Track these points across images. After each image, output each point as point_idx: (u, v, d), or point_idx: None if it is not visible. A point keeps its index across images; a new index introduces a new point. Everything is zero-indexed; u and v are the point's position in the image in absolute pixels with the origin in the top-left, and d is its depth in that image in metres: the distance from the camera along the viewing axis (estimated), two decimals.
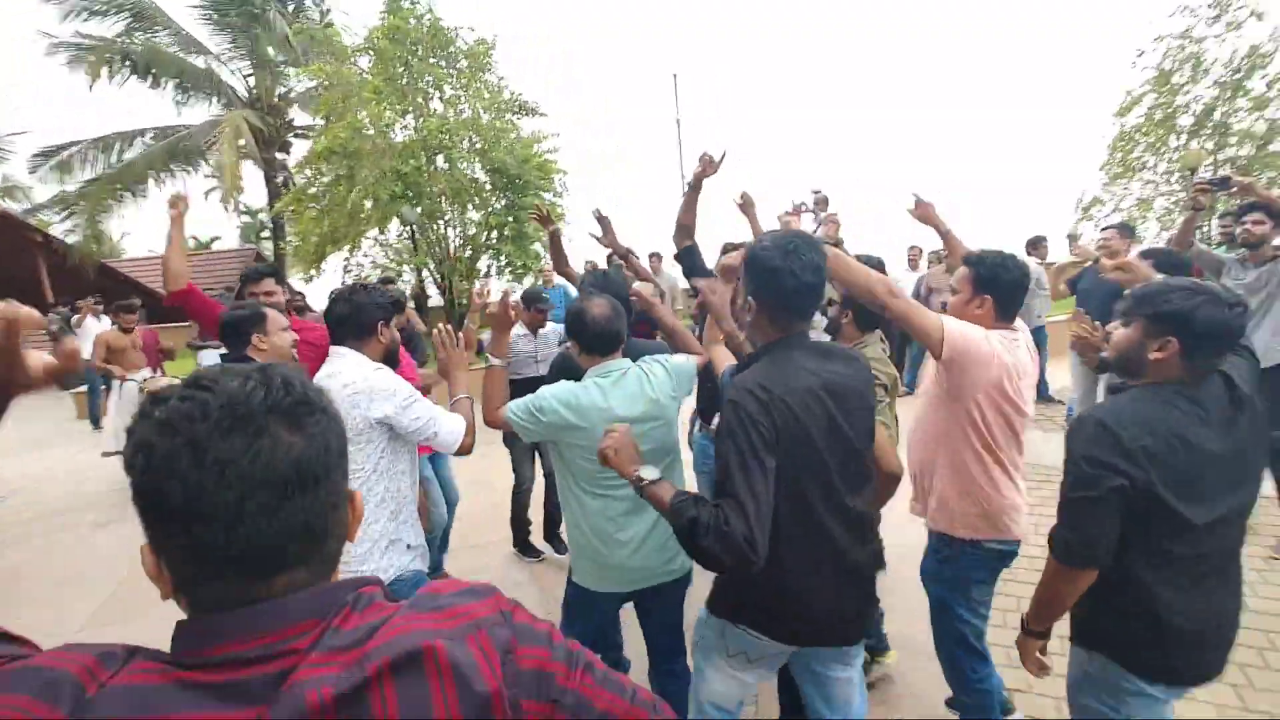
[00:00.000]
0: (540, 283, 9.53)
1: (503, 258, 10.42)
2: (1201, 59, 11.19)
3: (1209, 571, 1.59)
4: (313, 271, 10.36)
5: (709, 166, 3.26)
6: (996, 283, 2.17)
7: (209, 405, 0.64)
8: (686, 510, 1.52)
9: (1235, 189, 3.89)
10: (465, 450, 2.20)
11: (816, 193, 8.11)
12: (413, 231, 10.33)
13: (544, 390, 2.11)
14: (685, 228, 3.21)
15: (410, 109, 9.95)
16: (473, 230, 10.67)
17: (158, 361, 6.89)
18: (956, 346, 2.01)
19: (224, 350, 2.54)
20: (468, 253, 10.65)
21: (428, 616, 0.70)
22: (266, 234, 43.13)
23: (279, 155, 18.05)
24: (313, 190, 10.01)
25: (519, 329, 4.09)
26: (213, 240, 41.49)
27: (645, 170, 18.63)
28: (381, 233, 10.28)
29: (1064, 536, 1.59)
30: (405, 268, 10.95)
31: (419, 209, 9.61)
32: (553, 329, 4.25)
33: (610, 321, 2.12)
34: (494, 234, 10.36)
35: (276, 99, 17.73)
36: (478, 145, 9.96)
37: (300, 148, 19.43)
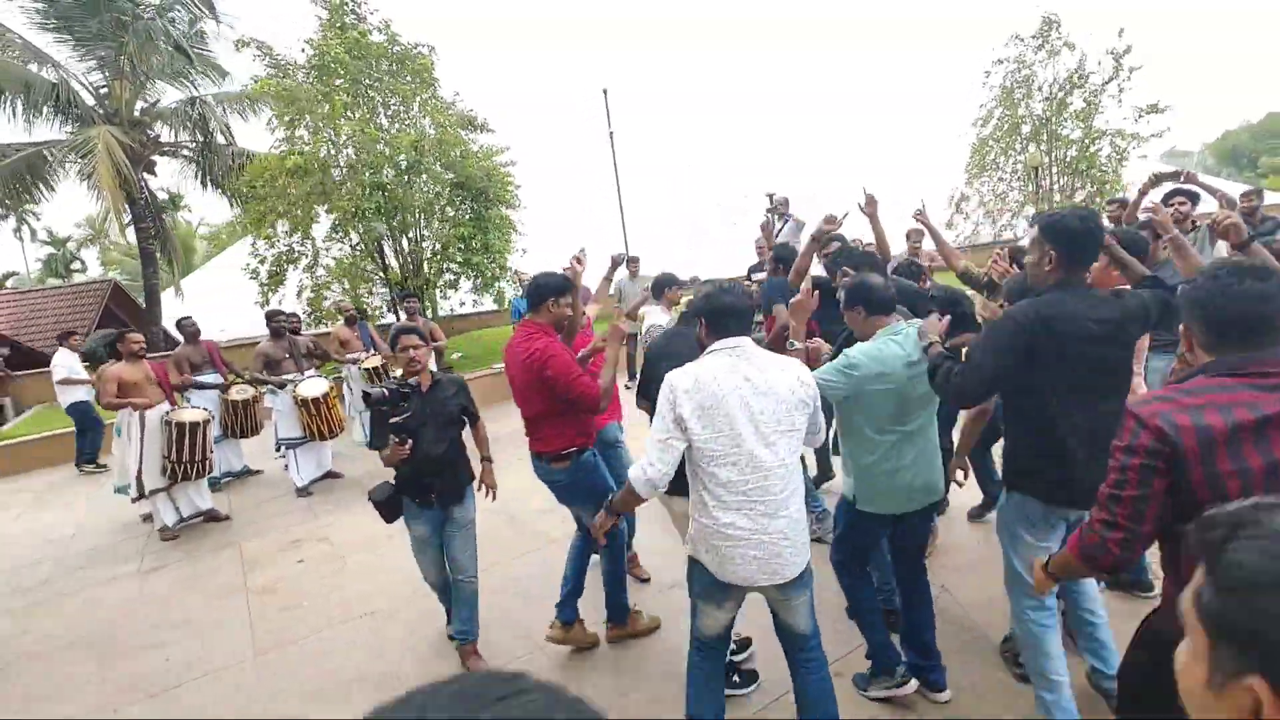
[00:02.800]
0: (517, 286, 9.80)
1: (472, 269, 10.49)
2: (1033, 79, 13.92)
3: None
4: (270, 295, 9.73)
5: (832, 224, 3.98)
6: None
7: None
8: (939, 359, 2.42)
9: (1183, 178, 5.37)
10: None
11: (772, 195, 8.77)
12: (379, 247, 10.09)
13: (849, 352, 2.62)
14: (801, 271, 4.04)
15: (364, 125, 9.77)
16: (433, 243, 10.63)
17: (172, 396, 6.41)
18: None
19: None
20: (433, 265, 10.59)
21: None
22: (78, 266, 37.73)
23: (144, 175, 16.20)
24: (270, 210, 9.45)
25: (663, 316, 4.51)
26: (7, 276, 35.24)
27: (583, 183, 18.89)
28: (353, 249, 9.94)
29: None
30: (366, 286, 10.61)
31: (393, 222, 9.49)
32: None
33: (888, 289, 2.76)
34: (461, 245, 10.41)
35: (138, 113, 15.93)
36: (436, 160, 9.98)
37: (166, 167, 17.65)
